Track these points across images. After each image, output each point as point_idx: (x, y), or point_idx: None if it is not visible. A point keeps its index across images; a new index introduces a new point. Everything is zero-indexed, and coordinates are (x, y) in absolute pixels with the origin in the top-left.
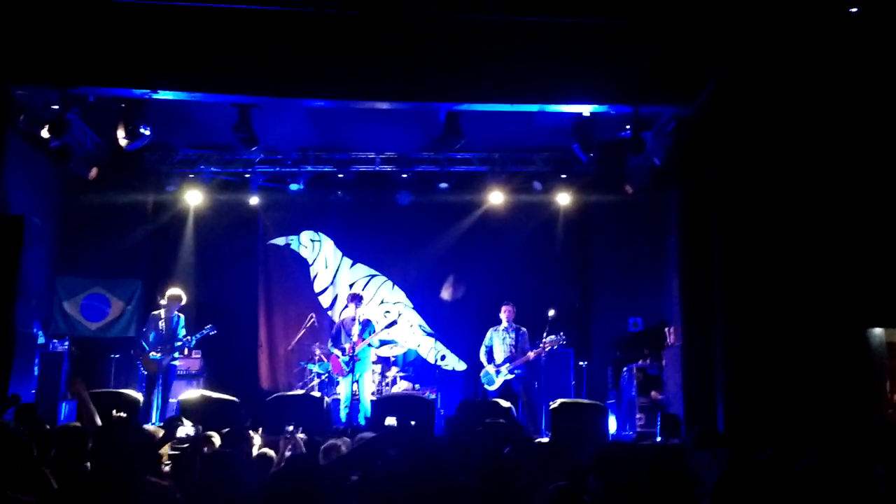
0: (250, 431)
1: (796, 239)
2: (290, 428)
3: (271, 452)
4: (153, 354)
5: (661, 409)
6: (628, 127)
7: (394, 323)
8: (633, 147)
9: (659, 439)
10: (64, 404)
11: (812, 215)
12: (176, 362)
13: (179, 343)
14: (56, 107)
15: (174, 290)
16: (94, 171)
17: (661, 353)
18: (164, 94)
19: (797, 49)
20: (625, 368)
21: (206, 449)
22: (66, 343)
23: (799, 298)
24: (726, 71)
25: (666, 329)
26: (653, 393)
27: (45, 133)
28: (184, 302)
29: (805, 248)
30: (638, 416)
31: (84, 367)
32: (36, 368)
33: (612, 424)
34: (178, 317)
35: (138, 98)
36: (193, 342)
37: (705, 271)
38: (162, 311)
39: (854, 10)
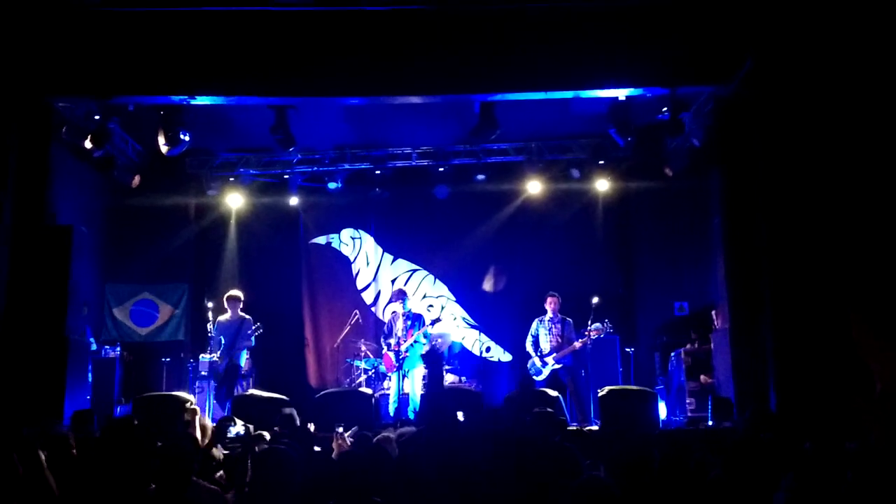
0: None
1: (843, 216)
2: (340, 429)
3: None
4: (214, 358)
5: (712, 393)
6: (666, 109)
7: (437, 320)
8: (671, 129)
9: (711, 423)
10: (118, 408)
11: (859, 191)
12: (242, 364)
13: (241, 344)
14: (97, 117)
15: (233, 291)
16: (136, 179)
17: (709, 337)
18: (201, 100)
19: (836, 22)
20: (672, 353)
21: (257, 448)
22: (118, 349)
23: (847, 276)
24: (764, 47)
25: (713, 312)
26: (702, 377)
27: (87, 144)
28: (242, 299)
29: (852, 225)
30: (688, 400)
31: (136, 371)
32: (90, 375)
33: (663, 410)
34: (243, 320)
35: (177, 105)
36: (252, 343)
37: (751, 252)
38: (227, 315)
39: None
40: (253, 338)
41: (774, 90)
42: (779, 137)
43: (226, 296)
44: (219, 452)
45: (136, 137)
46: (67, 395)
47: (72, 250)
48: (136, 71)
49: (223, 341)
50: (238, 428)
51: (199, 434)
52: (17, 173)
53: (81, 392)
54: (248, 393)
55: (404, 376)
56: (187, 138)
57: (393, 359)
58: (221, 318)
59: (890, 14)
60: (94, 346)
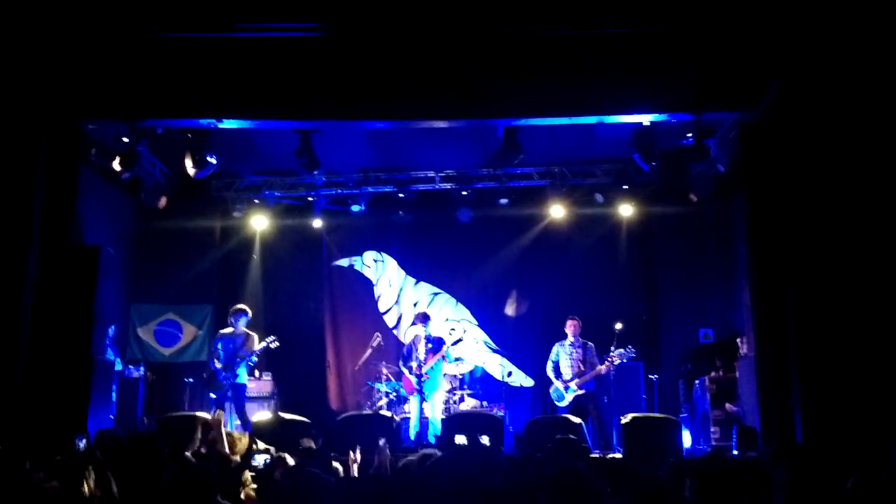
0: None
1: (870, 244)
2: (382, 442)
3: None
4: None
5: (737, 422)
6: (690, 135)
7: (459, 340)
8: (696, 155)
9: (736, 452)
10: (142, 428)
11: (888, 218)
12: (245, 381)
13: (240, 359)
14: (126, 140)
15: (238, 305)
16: (163, 201)
17: (735, 365)
18: (228, 123)
19: (862, 47)
20: (697, 381)
21: (277, 473)
22: (142, 369)
23: (875, 304)
24: (789, 73)
25: (738, 339)
26: (727, 405)
27: (116, 165)
28: (249, 314)
29: (880, 253)
30: (712, 429)
31: (159, 391)
32: (114, 394)
33: (686, 438)
34: (247, 335)
35: (204, 128)
36: (254, 357)
37: (777, 279)
38: (230, 329)
39: None
40: (254, 355)
41: (800, 116)
42: (804, 163)
43: (231, 309)
44: (247, 474)
45: (164, 160)
46: (91, 414)
47: (98, 271)
48: (165, 95)
49: (221, 354)
50: (264, 456)
51: (227, 449)
52: (45, 194)
53: (105, 411)
54: (270, 415)
55: (424, 400)
56: (214, 161)
57: (413, 382)
58: (224, 330)
59: None
60: (118, 366)
